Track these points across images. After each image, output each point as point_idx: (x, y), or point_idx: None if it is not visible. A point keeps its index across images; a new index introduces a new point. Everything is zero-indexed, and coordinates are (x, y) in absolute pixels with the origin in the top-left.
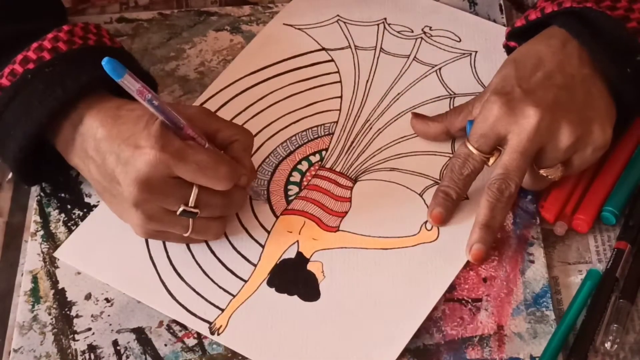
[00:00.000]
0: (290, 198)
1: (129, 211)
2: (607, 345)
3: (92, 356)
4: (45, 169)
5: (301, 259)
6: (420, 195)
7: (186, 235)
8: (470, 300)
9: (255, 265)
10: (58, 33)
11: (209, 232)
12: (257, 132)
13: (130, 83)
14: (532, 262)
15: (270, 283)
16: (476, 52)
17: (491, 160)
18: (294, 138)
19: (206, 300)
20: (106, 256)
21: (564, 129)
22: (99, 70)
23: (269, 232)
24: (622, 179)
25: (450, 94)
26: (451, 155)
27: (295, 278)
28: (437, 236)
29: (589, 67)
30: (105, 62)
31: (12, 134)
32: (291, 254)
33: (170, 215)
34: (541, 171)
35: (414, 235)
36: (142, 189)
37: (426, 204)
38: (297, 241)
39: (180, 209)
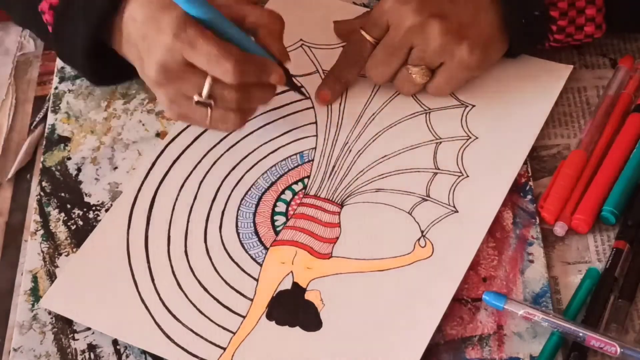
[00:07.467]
0: (278, 229)
1: (156, 91)
2: None
3: (92, 356)
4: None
5: (298, 289)
6: (409, 213)
7: (207, 123)
8: (470, 300)
9: (251, 300)
10: None
11: (227, 123)
12: (235, 164)
13: None
14: (532, 261)
15: (269, 316)
16: None
17: None
18: (273, 168)
19: (206, 340)
20: (95, 302)
21: (435, 29)
22: None
23: (261, 265)
24: (621, 178)
25: (425, 109)
26: (435, 171)
27: (294, 309)
28: (432, 252)
29: None
30: None
31: (75, 32)
32: (287, 285)
33: (188, 101)
34: (408, 66)
35: (409, 253)
36: (159, 72)
37: (416, 222)
38: (292, 271)
39: (195, 99)
